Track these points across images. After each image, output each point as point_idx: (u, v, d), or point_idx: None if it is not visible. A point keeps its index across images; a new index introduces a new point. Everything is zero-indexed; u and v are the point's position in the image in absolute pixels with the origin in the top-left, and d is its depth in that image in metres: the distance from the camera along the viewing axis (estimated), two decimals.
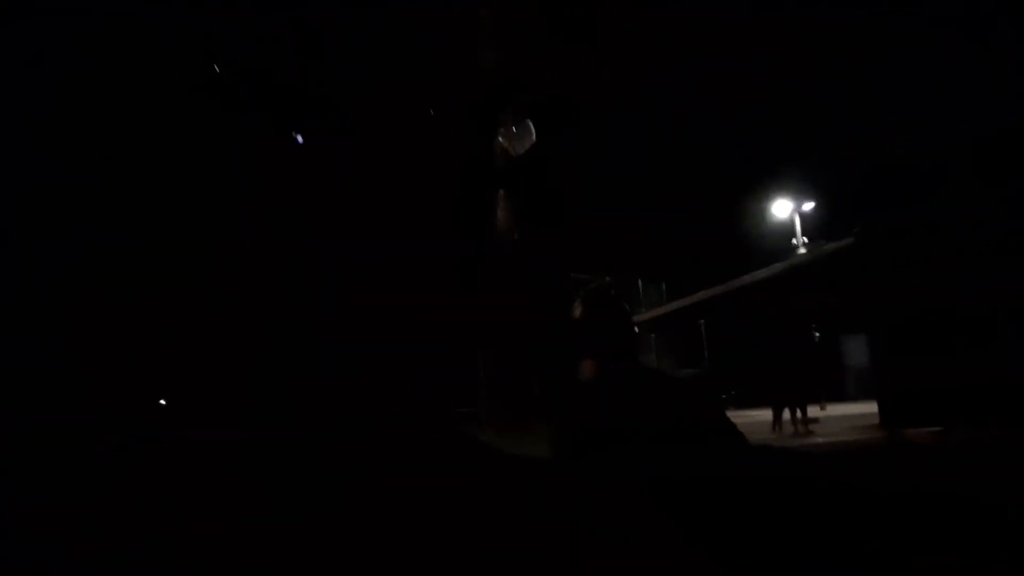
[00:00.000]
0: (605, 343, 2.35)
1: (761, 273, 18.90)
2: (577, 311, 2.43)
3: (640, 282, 26.09)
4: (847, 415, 12.90)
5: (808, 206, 25.65)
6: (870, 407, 10.46)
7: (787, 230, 25.76)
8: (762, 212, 26.83)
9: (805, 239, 24.76)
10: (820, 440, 9.61)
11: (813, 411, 12.14)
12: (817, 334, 13.19)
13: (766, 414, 12.21)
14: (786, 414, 11.60)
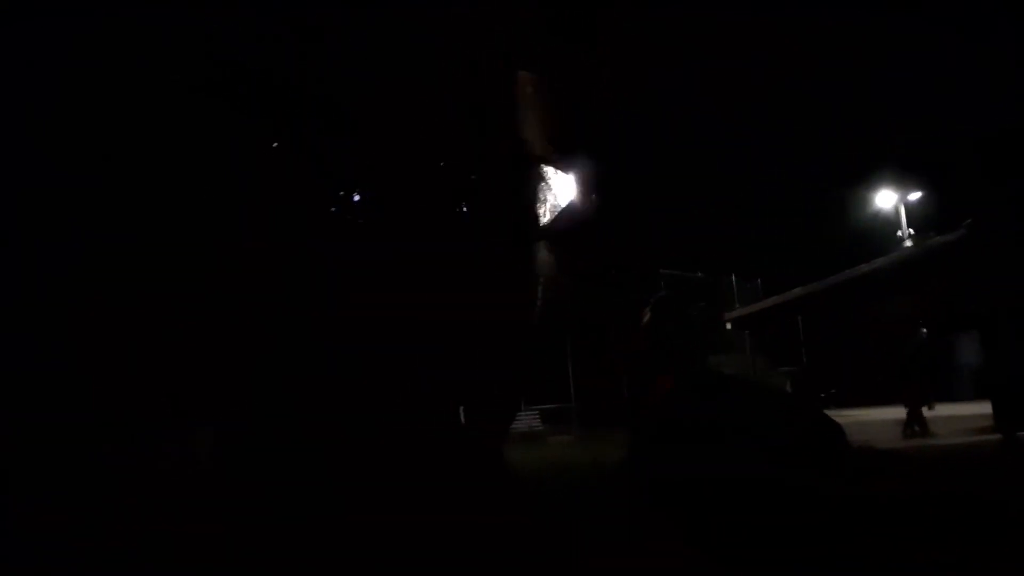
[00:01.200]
0: (669, 352, 2.41)
1: (863, 268, 18.07)
2: (645, 320, 2.49)
3: (734, 278, 25.40)
4: (957, 415, 12.24)
5: (914, 196, 24.31)
6: (982, 407, 9.90)
7: (892, 222, 24.52)
8: (865, 203, 25.63)
9: (911, 231, 23.48)
10: (932, 443, 9.19)
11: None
12: (925, 331, 12.53)
13: (869, 414, 11.74)
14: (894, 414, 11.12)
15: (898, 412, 11.19)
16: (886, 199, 24.71)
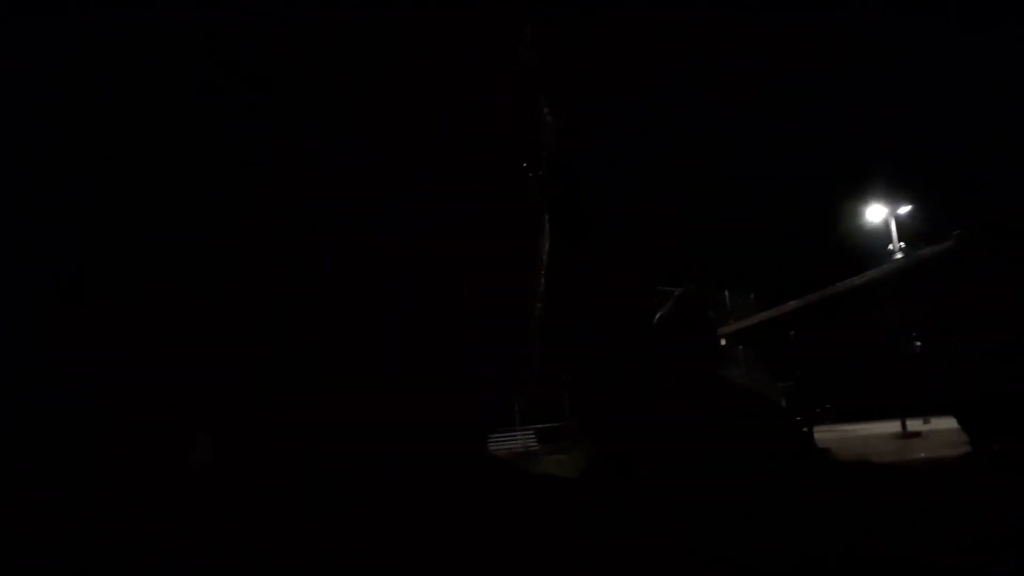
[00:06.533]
0: (687, 352, 2.30)
1: (855, 280, 18.09)
2: (661, 316, 2.38)
3: (727, 293, 25.41)
4: (953, 428, 12.17)
5: (904, 210, 24.45)
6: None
7: (882, 235, 24.61)
8: (856, 217, 25.75)
9: (902, 244, 23.59)
10: (925, 456, 9.11)
11: (916, 425, 11.53)
12: (918, 343, 12.51)
13: (865, 428, 11.67)
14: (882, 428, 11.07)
15: (892, 426, 11.13)
16: (876, 212, 24.85)
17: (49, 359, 0.38)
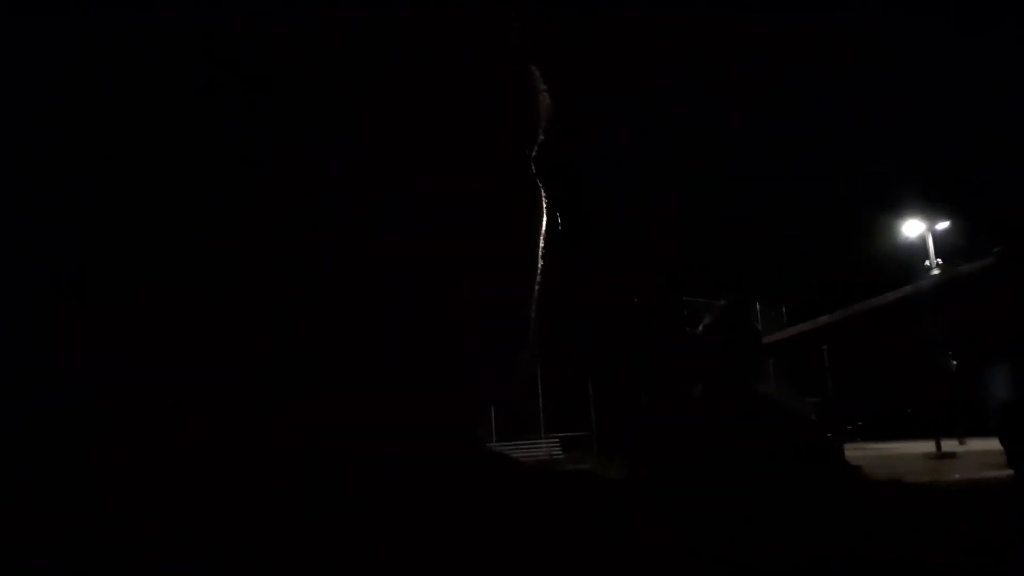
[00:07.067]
0: (730, 363, 2.25)
1: (890, 296, 17.76)
2: (706, 327, 2.33)
3: (758, 305, 25.16)
4: (990, 450, 11.87)
5: (942, 225, 23.99)
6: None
7: (919, 251, 24.17)
8: (892, 232, 25.33)
9: (939, 260, 23.14)
10: (958, 477, 8.89)
11: (951, 445, 11.27)
12: (955, 363, 12.24)
13: (897, 447, 11.43)
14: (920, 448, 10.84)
15: (926, 446, 10.89)
16: (913, 228, 24.43)
17: (49, 359, 0.38)
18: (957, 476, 9.05)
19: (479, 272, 0.43)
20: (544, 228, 0.47)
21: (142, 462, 0.40)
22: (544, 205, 0.47)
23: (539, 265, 0.46)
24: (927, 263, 23.47)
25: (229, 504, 0.39)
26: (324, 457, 0.40)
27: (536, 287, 0.45)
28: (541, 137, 0.48)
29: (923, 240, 24.08)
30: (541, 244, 0.46)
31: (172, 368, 0.40)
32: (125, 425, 0.41)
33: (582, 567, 0.42)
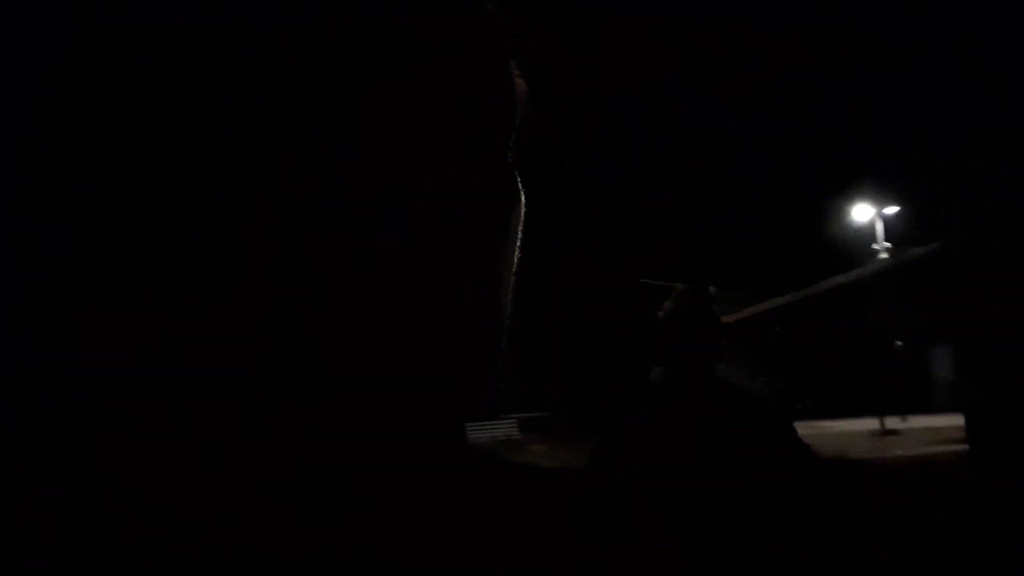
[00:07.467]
0: (690, 347, 2.26)
1: (839, 279, 18.23)
2: (666, 310, 2.33)
3: (713, 288, 25.51)
4: (930, 427, 12.34)
5: (891, 210, 24.62)
6: (955, 419, 9.98)
7: (868, 235, 24.79)
8: (842, 216, 25.92)
9: (887, 244, 23.77)
10: (902, 453, 9.23)
11: (894, 423, 11.68)
12: (899, 343, 12.66)
13: (843, 425, 11.81)
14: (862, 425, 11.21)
15: (870, 423, 11.27)
16: (863, 212, 25.02)
17: (49, 359, 0.38)
18: (898, 452, 9.39)
19: (479, 272, 0.44)
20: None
21: (142, 462, 0.40)
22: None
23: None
24: (875, 247, 24.10)
25: (229, 504, 0.39)
26: (324, 457, 0.41)
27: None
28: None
29: (872, 225, 24.70)
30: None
31: (172, 368, 0.40)
32: (125, 425, 0.40)
33: (584, 566, 0.43)
